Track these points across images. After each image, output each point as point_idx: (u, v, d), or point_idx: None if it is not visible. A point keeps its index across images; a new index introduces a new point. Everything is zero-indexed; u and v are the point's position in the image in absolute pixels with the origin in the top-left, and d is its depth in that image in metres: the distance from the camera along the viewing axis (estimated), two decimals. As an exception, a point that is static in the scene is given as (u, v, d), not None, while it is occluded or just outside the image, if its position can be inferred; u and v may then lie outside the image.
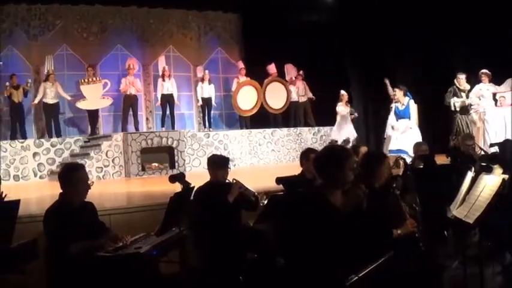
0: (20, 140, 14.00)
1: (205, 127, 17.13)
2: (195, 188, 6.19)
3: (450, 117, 14.05)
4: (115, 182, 13.45)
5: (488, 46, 13.71)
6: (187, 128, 17.14)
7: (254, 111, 17.09)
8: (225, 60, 19.02)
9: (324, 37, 17.31)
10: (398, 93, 13.09)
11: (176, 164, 14.48)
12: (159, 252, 5.21)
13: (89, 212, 5.24)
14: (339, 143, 14.52)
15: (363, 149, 8.50)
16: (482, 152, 10.19)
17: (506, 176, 4.82)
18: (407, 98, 13.00)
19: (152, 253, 5.01)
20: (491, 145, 10.93)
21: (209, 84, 17.00)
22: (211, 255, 6.06)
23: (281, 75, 17.65)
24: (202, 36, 18.70)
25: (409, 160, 8.81)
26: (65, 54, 16.38)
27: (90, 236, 5.00)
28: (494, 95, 13.97)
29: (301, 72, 17.75)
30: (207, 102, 16.97)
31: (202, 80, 17.00)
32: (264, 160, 16.55)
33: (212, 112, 17.43)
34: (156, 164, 14.40)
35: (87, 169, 5.50)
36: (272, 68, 17.41)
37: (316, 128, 17.52)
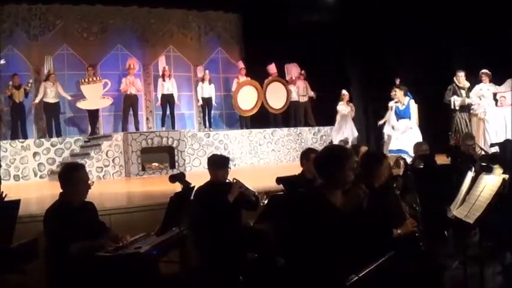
0: (20, 140, 14.00)
1: (205, 127, 17.13)
2: (195, 188, 6.19)
3: (450, 116, 14.06)
4: (115, 181, 13.45)
5: (488, 46, 13.71)
6: (188, 127, 17.14)
7: (254, 111, 17.09)
8: (225, 60, 19.02)
9: (324, 37, 17.30)
10: (398, 93, 13.08)
11: (176, 163, 14.48)
12: (159, 252, 5.20)
13: (89, 212, 5.24)
14: (337, 142, 14.56)
15: (363, 149, 8.48)
16: (483, 152, 10.19)
17: (506, 176, 4.82)
18: (407, 98, 13.00)
19: (152, 253, 5.00)
20: (492, 145, 10.93)
21: (209, 84, 17.00)
22: (212, 255, 6.06)
23: (281, 75, 17.64)
24: (202, 36, 18.70)
25: (409, 160, 8.81)
26: (65, 54, 16.39)
27: (91, 236, 4.99)
28: (494, 95, 13.98)
29: (303, 71, 17.75)
30: (207, 102, 16.97)
31: (203, 80, 17.00)
32: (264, 160, 16.55)
33: (212, 112, 17.43)
34: (157, 164, 14.40)
35: (87, 169, 5.50)
36: (272, 68, 17.41)
37: (317, 128, 17.52)
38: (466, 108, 13.87)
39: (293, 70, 17.82)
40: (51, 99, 14.90)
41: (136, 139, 14.13)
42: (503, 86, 13.95)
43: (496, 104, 13.95)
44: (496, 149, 9.81)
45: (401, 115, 12.94)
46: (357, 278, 3.59)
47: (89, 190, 5.13)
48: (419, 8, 15.00)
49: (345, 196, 4.13)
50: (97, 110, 15.95)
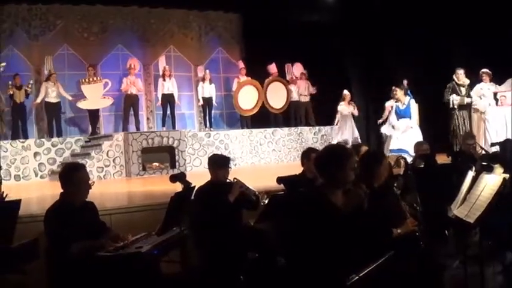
0: (21, 140, 13.98)
1: (206, 127, 17.13)
2: (196, 188, 6.19)
3: (450, 115, 14.05)
4: (116, 181, 13.45)
5: (488, 46, 13.71)
6: (188, 127, 17.13)
7: (255, 111, 17.10)
8: (225, 60, 19.02)
9: (324, 37, 17.32)
10: (399, 93, 13.10)
11: (177, 163, 14.48)
12: (160, 251, 5.20)
13: (89, 212, 5.24)
14: (335, 142, 14.57)
15: (364, 149, 8.49)
16: (483, 152, 10.19)
17: (506, 176, 4.82)
18: (408, 98, 13.02)
19: (153, 253, 5.00)
20: (492, 144, 10.94)
21: (210, 84, 17.00)
22: (212, 254, 6.06)
23: (281, 75, 17.65)
24: (203, 36, 18.69)
25: (409, 159, 8.84)
26: (65, 54, 16.38)
27: (91, 235, 4.99)
28: (495, 94, 13.98)
29: (305, 71, 17.76)
30: (207, 101, 16.98)
31: (203, 79, 17.01)
32: (264, 160, 16.55)
33: (213, 112, 17.43)
34: (157, 164, 14.39)
35: (87, 169, 5.49)
36: (273, 68, 17.41)
37: (317, 128, 17.51)
38: (464, 107, 13.85)
39: (297, 69, 17.80)
40: (52, 99, 14.89)
41: (137, 139, 14.13)
42: (504, 86, 13.96)
43: (497, 104, 13.95)
44: (496, 148, 9.82)
45: (401, 114, 12.96)
46: (357, 277, 3.59)
47: (90, 190, 5.14)
48: (419, 8, 15.01)
49: (345, 196, 4.13)
50: (97, 110, 15.94)
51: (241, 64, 17.67)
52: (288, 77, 17.70)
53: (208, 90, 16.95)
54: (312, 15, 17.58)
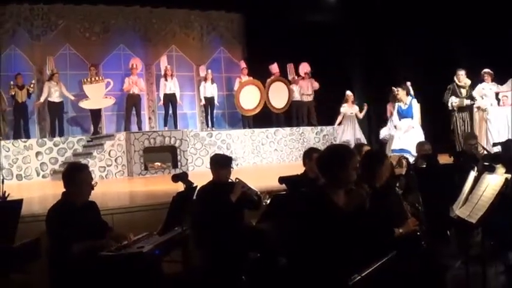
0: (23, 140, 13.99)
1: (208, 126, 17.14)
2: (198, 188, 6.18)
3: (450, 117, 14.03)
4: (118, 181, 13.45)
5: (490, 46, 13.70)
6: (190, 127, 17.13)
7: (257, 111, 17.10)
8: (227, 60, 19.02)
9: (326, 37, 17.32)
10: (400, 93, 13.07)
11: (179, 163, 14.48)
12: (162, 251, 5.20)
13: (91, 212, 5.25)
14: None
15: (366, 149, 8.48)
16: (485, 152, 10.17)
17: (509, 176, 4.81)
18: (409, 97, 13.00)
19: (155, 252, 5.00)
20: (494, 144, 10.91)
21: (212, 83, 17.02)
22: (214, 254, 6.06)
23: (283, 74, 17.65)
24: (204, 35, 18.71)
25: (412, 159, 8.83)
26: (67, 53, 16.39)
27: (93, 235, 5.00)
28: (497, 94, 13.96)
29: (306, 71, 17.75)
30: (209, 101, 16.99)
31: (205, 79, 17.02)
32: (266, 159, 16.54)
33: (215, 111, 17.46)
34: (159, 164, 14.39)
35: (89, 168, 5.49)
36: (274, 68, 17.40)
37: (319, 128, 17.49)
38: (464, 108, 13.79)
39: (303, 68, 17.78)
40: (55, 98, 14.88)
41: (139, 139, 14.13)
42: (505, 86, 13.94)
43: (499, 104, 13.94)
44: (498, 148, 9.80)
45: (403, 114, 12.93)
46: (359, 277, 3.59)
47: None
48: (420, 8, 15.00)
49: (347, 196, 4.13)
50: (99, 110, 15.97)
51: (243, 64, 17.66)
52: (289, 77, 17.69)
53: (210, 90, 16.96)
54: (313, 15, 17.59)
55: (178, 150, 14.57)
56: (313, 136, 17.29)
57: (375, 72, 17.02)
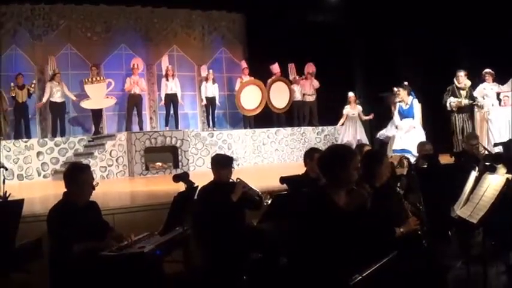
0: (24, 140, 14.00)
1: (209, 126, 17.15)
2: (199, 188, 6.19)
3: (449, 116, 14.01)
4: (119, 181, 13.46)
5: (490, 46, 13.69)
6: (191, 127, 17.13)
7: (258, 111, 17.10)
8: (229, 60, 19.02)
9: (327, 37, 17.32)
10: (402, 93, 13.07)
11: (180, 163, 14.48)
12: (163, 251, 5.20)
13: (92, 212, 5.24)
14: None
15: (367, 149, 8.49)
16: (486, 152, 10.17)
17: (510, 176, 4.81)
18: (411, 97, 12.99)
19: (156, 253, 5.00)
20: (495, 145, 10.90)
21: (213, 83, 17.01)
22: (215, 254, 6.07)
23: (284, 74, 17.65)
24: (206, 35, 18.71)
25: (413, 160, 8.83)
26: (69, 53, 16.39)
27: (94, 235, 5.00)
28: (498, 94, 13.95)
29: (311, 71, 17.75)
30: (211, 101, 16.99)
31: (206, 79, 17.02)
32: (267, 159, 16.55)
33: (216, 111, 17.46)
34: (160, 164, 14.39)
35: (91, 168, 5.49)
36: (275, 68, 17.40)
37: (320, 128, 17.50)
38: (464, 109, 13.73)
39: (308, 69, 17.79)
40: (57, 98, 14.90)
41: (140, 139, 14.14)
42: (506, 86, 13.93)
43: (500, 104, 13.93)
44: (499, 148, 9.80)
45: (404, 114, 12.93)
46: (360, 277, 3.59)
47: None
48: (421, 8, 15.00)
49: (348, 196, 4.13)
50: (101, 110, 15.99)
51: (244, 64, 17.66)
52: (290, 77, 17.70)
53: (211, 90, 16.96)
54: (315, 15, 17.60)
55: (179, 150, 14.58)
56: (314, 136, 17.30)
57: (377, 73, 17.00)
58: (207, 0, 17.61)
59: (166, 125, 16.35)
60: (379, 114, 16.38)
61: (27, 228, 5.87)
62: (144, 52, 17.41)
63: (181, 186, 5.85)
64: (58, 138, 14.45)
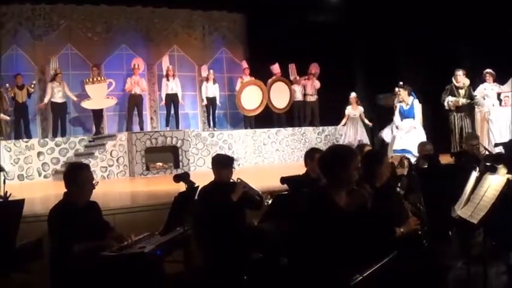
0: (24, 140, 14.00)
1: (209, 127, 17.15)
2: (200, 188, 6.19)
3: (448, 116, 13.99)
4: (119, 181, 13.47)
5: (491, 46, 13.69)
6: (192, 127, 17.13)
7: (258, 111, 17.11)
8: (229, 60, 19.02)
9: (327, 37, 17.33)
10: (402, 93, 13.08)
11: (180, 163, 14.49)
12: (163, 251, 5.20)
13: (93, 212, 5.24)
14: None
15: (367, 149, 8.49)
16: (487, 152, 10.17)
17: (510, 176, 4.81)
18: (411, 98, 13.00)
19: (156, 253, 5.00)
20: (496, 145, 10.91)
21: (214, 83, 17.02)
22: (216, 254, 6.07)
23: (285, 75, 17.65)
24: (206, 36, 18.71)
25: (413, 160, 8.84)
26: (69, 54, 16.40)
27: (94, 235, 4.99)
28: (498, 94, 13.94)
29: (314, 71, 17.75)
30: (211, 101, 16.99)
31: (207, 79, 17.02)
32: (268, 160, 16.55)
33: (217, 112, 17.46)
34: (161, 164, 14.40)
35: (91, 169, 5.49)
36: (276, 68, 17.40)
37: (321, 128, 17.50)
38: (462, 108, 13.70)
39: (313, 69, 17.79)
40: (58, 99, 14.92)
41: (141, 139, 14.14)
42: (506, 86, 13.92)
43: (500, 104, 13.92)
44: (500, 149, 9.81)
45: (405, 115, 12.95)
46: (361, 277, 3.59)
47: (93, 190, 5.14)
48: (421, 8, 15.01)
49: (349, 196, 4.12)
50: (101, 110, 15.98)
51: (244, 64, 17.67)
52: (291, 77, 17.69)
53: (212, 90, 16.96)
54: (315, 15, 17.59)
55: (180, 150, 14.58)
56: (315, 136, 17.30)
57: (378, 73, 16.99)
58: (207, 1, 17.61)
59: (167, 125, 16.35)
60: (379, 115, 16.37)
61: (28, 229, 5.87)
62: (144, 52, 17.41)
63: (181, 187, 5.85)
64: (59, 139, 14.45)
